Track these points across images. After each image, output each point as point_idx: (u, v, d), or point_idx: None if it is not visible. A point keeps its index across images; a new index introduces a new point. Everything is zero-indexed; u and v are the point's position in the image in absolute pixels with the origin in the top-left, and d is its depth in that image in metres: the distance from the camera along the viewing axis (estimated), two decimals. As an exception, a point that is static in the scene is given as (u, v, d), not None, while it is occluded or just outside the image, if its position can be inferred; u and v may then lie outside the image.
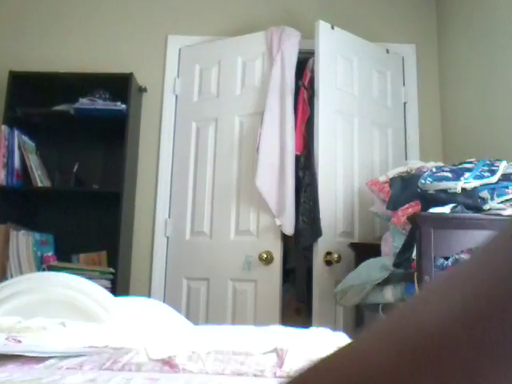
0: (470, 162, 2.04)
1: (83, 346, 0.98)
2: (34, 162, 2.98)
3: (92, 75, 3.06)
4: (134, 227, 3.13)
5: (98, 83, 3.04)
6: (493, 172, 1.91)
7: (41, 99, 3.05)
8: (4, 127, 2.89)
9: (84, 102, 2.98)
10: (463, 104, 3.00)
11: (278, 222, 2.78)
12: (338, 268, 2.68)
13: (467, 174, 1.89)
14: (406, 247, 1.90)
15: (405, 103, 3.26)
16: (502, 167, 1.93)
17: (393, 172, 2.35)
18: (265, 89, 2.93)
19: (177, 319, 1.72)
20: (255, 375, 0.80)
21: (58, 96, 3.04)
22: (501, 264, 0.23)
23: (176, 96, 3.27)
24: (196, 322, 1.82)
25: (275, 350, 0.93)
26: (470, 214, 1.81)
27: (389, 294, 2.03)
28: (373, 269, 2.15)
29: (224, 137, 3.06)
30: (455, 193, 1.83)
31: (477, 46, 2.83)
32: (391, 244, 2.18)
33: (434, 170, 2.01)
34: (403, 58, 3.31)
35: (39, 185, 2.93)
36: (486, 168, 1.94)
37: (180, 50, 3.31)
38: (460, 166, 2.01)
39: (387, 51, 3.25)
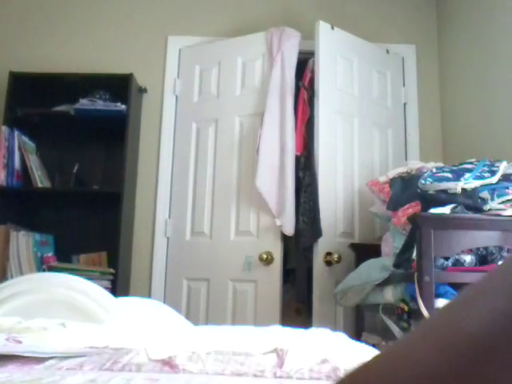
0: (470, 163, 2.04)
1: (83, 347, 0.98)
2: (34, 162, 2.98)
3: (92, 76, 3.06)
4: (134, 228, 3.13)
5: (98, 84, 3.04)
6: (493, 172, 1.91)
7: (41, 100, 3.05)
8: (4, 128, 2.89)
9: (84, 103, 2.98)
10: (463, 104, 3.00)
11: (278, 223, 2.78)
12: (338, 268, 2.68)
13: (467, 175, 1.89)
14: (406, 247, 1.90)
15: (405, 103, 3.26)
16: (502, 167, 1.93)
17: (393, 172, 2.35)
18: (265, 89, 2.93)
19: (177, 320, 1.72)
20: (255, 375, 0.80)
21: (58, 96, 3.04)
22: None
23: (176, 96, 3.27)
24: (196, 323, 1.82)
25: (275, 351, 0.93)
26: (470, 215, 1.81)
27: (389, 294, 2.03)
28: (373, 269, 2.15)
29: (224, 137, 3.06)
30: (455, 193, 1.83)
31: (477, 46, 2.83)
32: (391, 244, 2.18)
33: (434, 170, 2.01)
34: (403, 58, 3.31)
35: (39, 185, 2.94)
36: (486, 168, 1.94)
37: (180, 50, 3.31)
38: (460, 167, 2.01)
39: (387, 51, 3.25)
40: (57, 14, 3.37)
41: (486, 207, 1.83)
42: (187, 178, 3.10)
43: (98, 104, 3.00)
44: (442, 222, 1.79)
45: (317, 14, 3.18)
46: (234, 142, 3.03)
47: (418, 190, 1.94)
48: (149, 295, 2.96)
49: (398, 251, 1.99)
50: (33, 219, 3.09)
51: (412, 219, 1.85)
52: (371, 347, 1.28)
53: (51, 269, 2.71)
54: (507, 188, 1.86)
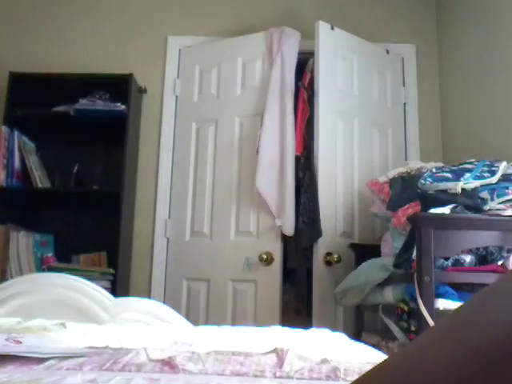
0: (470, 163, 2.04)
1: (83, 347, 0.98)
2: (34, 162, 2.98)
3: (92, 76, 3.06)
4: (134, 228, 3.13)
5: (98, 84, 3.04)
6: (493, 172, 1.91)
7: (41, 100, 3.05)
8: (4, 128, 2.89)
9: (84, 103, 2.99)
10: (463, 104, 3.00)
11: (278, 223, 2.78)
12: (338, 268, 2.68)
13: (467, 175, 1.89)
14: (406, 248, 1.90)
15: (405, 103, 3.26)
16: (502, 168, 1.93)
17: (393, 172, 2.35)
18: (265, 89, 2.93)
19: (177, 320, 1.72)
20: (255, 375, 0.80)
21: (58, 97, 3.04)
22: None
23: (176, 97, 3.27)
24: (196, 323, 1.82)
25: (275, 351, 0.93)
26: (470, 215, 1.81)
27: (389, 294, 2.03)
28: (373, 269, 2.15)
29: (224, 137, 3.06)
30: (455, 193, 1.83)
31: (477, 46, 2.83)
32: (391, 244, 2.18)
33: (434, 170, 2.01)
34: (403, 58, 3.31)
35: (39, 185, 2.94)
36: (486, 168, 1.94)
37: (180, 50, 3.32)
38: (460, 167, 2.01)
39: (387, 51, 3.25)
40: (57, 14, 3.37)
41: (486, 207, 1.83)
42: (187, 178, 3.10)
43: (98, 104, 3.00)
44: (442, 222, 1.79)
45: (317, 13, 3.18)
46: (234, 142, 3.03)
47: (418, 190, 1.94)
48: (149, 295, 2.96)
49: (397, 251, 1.99)
50: (33, 219, 3.09)
51: (412, 219, 1.85)
52: (371, 347, 1.28)
53: (51, 269, 2.71)
54: (507, 188, 1.86)
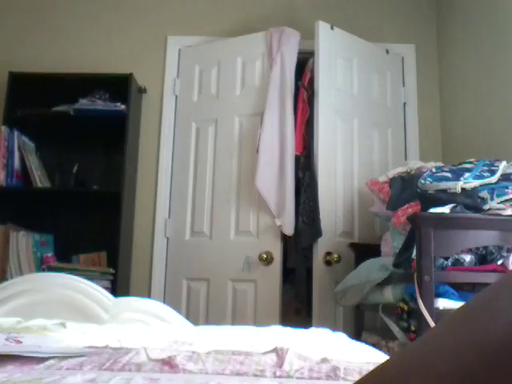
0: (470, 162, 2.04)
1: (83, 347, 0.98)
2: (33, 162, 2.98)
3: (92, 76, 3.06)
4: (134, 227, 3.13)
5: (97, 84, 3.04)
6: (492, 172, 1.91)
7: (41, 100, 3.05)
8: (4, 128, 2.89)
9: (84, 103, 2.99)
10: (463, 104, 3.00)
11: (277, 223, 2.78)
12: (338, 268, 2.68)
13: (467, 174, 1.89)
14: (406, 247, 1.90)
15: (404, 103, 3.26)
16: (502, 167, 1.94)
17: (393, 172, 2.35)
18: (264, 89, 2.93)
19: (177, 320, 1.73)
20: (255, 375, 0.80)
21: (57, 97, 3.04)
22: None
23: (176, 96, 3.27)
24: (196, 323, 1.82)
25: (275, 350, 0.93)
26: (470, 214, 1.81)
27: (389, 294, 2.03)
28: (373, 269, 2.15)
29: (224, 137, 3.06)
30: (455, 193, 1.83)
31: (476, 46, 2.83)
32: (391, 244, 2.18)
33: (434, 170, 2.01)
34: (403, 58, 3.32)
35: (39, 185, 2.94)
36: (486, 168, 1.95)
37: (180, 50, 3.32)
38: (460, 166, 2.01)
39: (387, 51, 3.25)
40: (57, 14, 3.37)
41: (486, 207, 1.83)
42: (187, 177, 3.11)
43: (98, 104, 3.00)
44: (442, 221, 1.79)
45: (317, 13, 3.18)
46: (234, 141, 3.03)
47: (418, 190, 1.94)
48: (149, 295, 2.96)
49: (397, 251, 1.99)
50: (33, 219, 3.09)
51: (412, 219, 1.85)
52: (371, 347, 1.28)
53: (51, 269, 2.71)
54: (507, 188, 1.86)
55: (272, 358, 0.89)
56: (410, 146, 3.20)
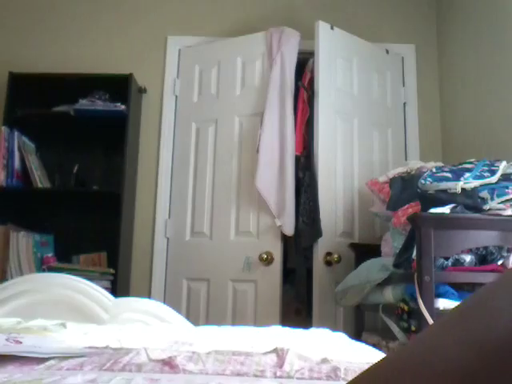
0: (470, 163, 2.04)
1: (83, 347, 0.98)
2: (33, 162, 2.98)
3: (92, 76, 3.06)
4: (134, 228, 3.13)
5: (97, 84, 3.04)
6: (493, 172, 1.91)
7: (41, 100, 3.05)
8: (4, 128, 2.89)
9: (84, 103, 2.99)
10: (463, 104, 3.00)
11: (278, 223, 2.78)
12: (338, 268, 2.68)
13: (467, 175, 1.89)
14: (406, 247, 1.90)
15: (404, 103, 3.26)
16: (502, 167, 1.94)
17: (393, 172, 2.35)
18: (264, 89, 2.93)
19: (177, 320, 1.72)
20: (255, 375, 0.80)
21: (57, 97, 3.04)
22: None
23: (176, 97, 3.27)
24: (196, 323, 1.82)
25: (275, 351, 0.93)
26: (470, 215, 1.81)
27: (389, 294, 2.03)
28: (373, 269, 2.15)
29: (224, 137, 3.06)
30: (455, 193, 1.83)
31: (476, 46, 2.83)
32: (391, 244, 2.18)
33: (434, 170, 2.01)
34: (403, 58, 3.32)
35: (39, 185, 2.94)
36: (486, 168, 1.95)
37: (180, 50, 3.32)
38: (460, 167, 2.01)
39: (387, 51, 3.25)
40: (57, 14, 3.37)
41: (486, 207, 1.83)
42: (187, 178, 3.10)
43: (98, 104, 3.00)
44: (442, 221, 1.79)
45: (317, 13, 3.18)
46: (234, 141, 3.03)
47: (418, 190, 1.94)
48: (149, 295, 2.96)
49: (397, 251, 1.99)
50: (33, 219, 3.09)
51: (412, 219, 1.85)
52: (371, 347, 1.28)
53: (51, 269, 2.71)
54: (507, 188, 1.86)
55: (272, 359, 0.89)
56: (410, 146, 3.20)
